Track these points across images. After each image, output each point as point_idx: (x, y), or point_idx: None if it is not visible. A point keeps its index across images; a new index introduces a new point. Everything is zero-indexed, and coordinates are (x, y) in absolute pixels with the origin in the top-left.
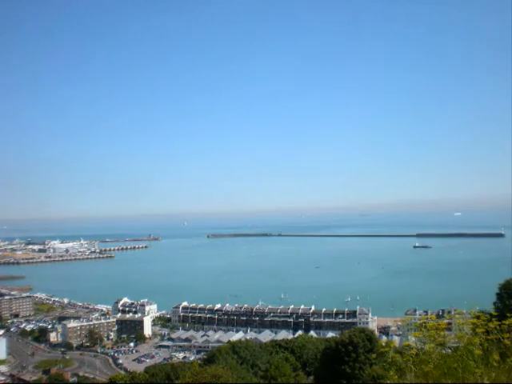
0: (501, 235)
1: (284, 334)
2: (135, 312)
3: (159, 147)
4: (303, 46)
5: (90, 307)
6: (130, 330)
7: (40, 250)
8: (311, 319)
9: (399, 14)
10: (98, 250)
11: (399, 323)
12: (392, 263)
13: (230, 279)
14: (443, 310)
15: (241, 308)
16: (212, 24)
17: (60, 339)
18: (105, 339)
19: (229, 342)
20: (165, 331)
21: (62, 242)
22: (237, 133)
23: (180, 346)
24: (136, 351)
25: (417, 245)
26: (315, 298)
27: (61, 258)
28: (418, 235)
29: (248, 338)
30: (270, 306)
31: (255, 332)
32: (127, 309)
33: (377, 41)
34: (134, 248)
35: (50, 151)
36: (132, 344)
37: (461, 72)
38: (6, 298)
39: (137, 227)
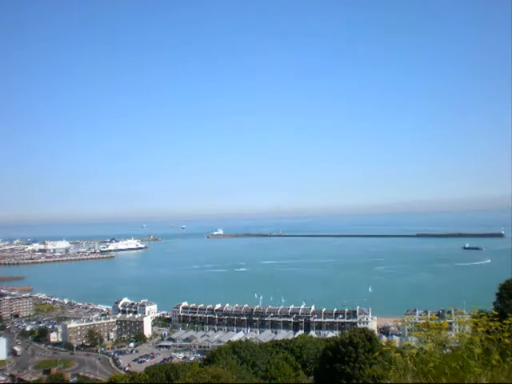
0: (501, 235)
1: (284, 334)
2: (135, 312)
3: (155, 148)
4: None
5: (90, 307)
6: (130, 330)
7: (40, 251)
8: (311, 319)
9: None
10: (98, 251)
11: (399, 323)
12: None
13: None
14: (443, 310)
15: (241, 308)
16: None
17: (60, 339)
18: (105, 339)
19: (229, 342)
20: (165, 331)
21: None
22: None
23: (180, 346)
24: (136, 351)
25: (467, 246)
26: None
27: (61, 259)
28: (419, 235)
29: (248, 338)
30: (270, 306)
31: (255, 332)
32: (127, 309)
33: None
34: (135, 248)
35: (51, 151)
36: (132, 344)
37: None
38: (7, 298)
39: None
